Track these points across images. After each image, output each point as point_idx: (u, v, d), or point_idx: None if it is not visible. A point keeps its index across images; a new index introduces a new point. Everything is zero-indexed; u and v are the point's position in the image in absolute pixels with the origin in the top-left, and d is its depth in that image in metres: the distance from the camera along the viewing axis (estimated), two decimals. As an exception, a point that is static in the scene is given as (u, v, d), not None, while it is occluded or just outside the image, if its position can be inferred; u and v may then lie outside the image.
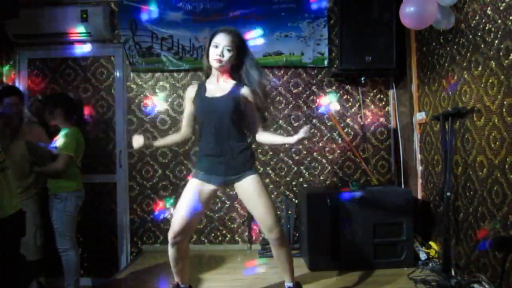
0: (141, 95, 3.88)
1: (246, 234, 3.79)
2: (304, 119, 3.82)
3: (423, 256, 3.06)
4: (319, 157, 3.83)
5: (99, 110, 3.87)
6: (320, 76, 3.83)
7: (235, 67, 2.31)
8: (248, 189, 2.27)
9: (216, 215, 3.83)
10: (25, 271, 2.87)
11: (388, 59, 3.43)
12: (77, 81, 3.87)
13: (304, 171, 3.83)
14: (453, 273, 2.70)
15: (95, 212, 3.80)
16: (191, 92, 2.37)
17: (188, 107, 2.40)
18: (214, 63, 2.24)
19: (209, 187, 2.32)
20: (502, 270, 2.24)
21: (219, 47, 2.21)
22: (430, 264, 2.97)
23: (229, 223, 3.83)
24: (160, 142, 2.49)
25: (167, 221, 3.85)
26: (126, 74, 3.89)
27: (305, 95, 3.83)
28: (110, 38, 3.84)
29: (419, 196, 3.45)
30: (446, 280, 2.60)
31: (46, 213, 3.08)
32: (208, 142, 2.28)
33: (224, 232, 3.84)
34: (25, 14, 3.50)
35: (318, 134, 3.83)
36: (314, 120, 3.83)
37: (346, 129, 3.83)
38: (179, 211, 2.28)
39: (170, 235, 2.30)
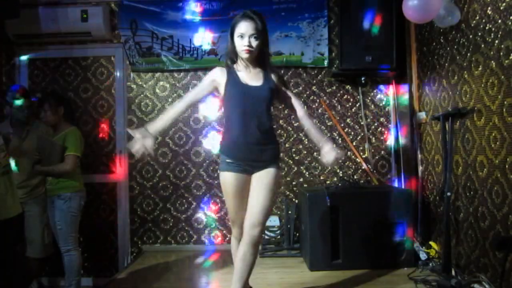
0: (141, 95, 3.89)
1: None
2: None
3: (423, 256, 3.06)
4: (319, 157, 3.82)
5: (99, 110, 3.87)
6: (320, 76, 3.83)
7: (262, 53, 2.22)
8: (264, 179, 2.20)
9: (216, 215, 3.83)
10: (25, 271, 2.88)
11: (388, 59, 3.43)
12: (77, 81, 3.88)
13: (304, 171, 3.83)
14: (453, 273, 2.70)
15: (95, 212, 3.80)
16: (220, 75, 2.23)
17: (207, 85, 2.26)
18: (243, 55, 2.16)
19: (242, 177, 2.22)
20: (502, 270, 2.24)
21: (245, 37, 2.12)
22: (430, 264, 2.97)
23: (229, 223, 3.82)
24: (160, 123, 2.18)
25: (167, 221, 3.85)
26: (126, 74, 3.89)
27: (305, 95, 3.83)
28: (110, 38, 3.84)
29: (419, 196, 3.45)
30: (446, 280, 2.60)
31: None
32: (239, 128, 2.19)
33: (224, 232, 3.84)
34: (25, 14, 3.50)
35: (318, 134, 3.82)
36: (314, 120, 3.82)
37: (346, 129, 3.83)
38: (233, 210, 2.26)
39: (237, 231, 2.30)
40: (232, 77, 2.22)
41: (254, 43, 2.14)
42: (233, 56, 2.25)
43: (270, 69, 2.29)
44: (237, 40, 2.15)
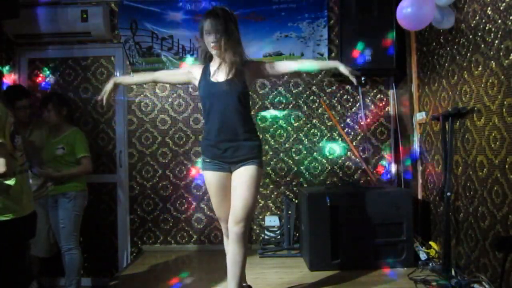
0: (141, 95, 3.89)
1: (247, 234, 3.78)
2: (304, 119, 3.82)
3: (423, 256, 3.06)
4: (319, 157, 3.83)
5: (99, 110, 3.87)
6: (320, 76, 3.83)
7: (235, 41, 2.23)
8: (242, 176, 2.22)
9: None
10: (27, 270, 2.88)
11: (388, 59, 3.43)
12: (77, 81, 3.88)
13: (304, 171, 3.83)
14: (453, 273, 2.70)
15: (95, 212, 3.80)
16: (197, 70, 2.34)
17: (181, 73, 2.49)
18: (212, 51, 2.23)
19: (222, 175, 2.29)
20: (502, 270, 2.24)
21: (211, 34, 2.18)
22: (430, 264, 2.97)
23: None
24: (125, 80, 2.70)
25: (167, 221, 3.85)
26: (126, 74, 3.88)
27: (305, 95, 3.83)
28: (110, 38, 3.84)
29: (419, 196, 3.45)
30: (446, 280, 2.60)
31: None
32: (215, 128, 2.24)
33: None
34: (25, 14, 3.50)
35: (318, 134, 3.83)
36: (314, 120, 3.83)
37: (346, 129, 3.83)
38: (216, 206, 2.37)
39: (224, 227, 2.40)
40: (204, 75, 2.30)
41: (221, 39, 2.18)
42: (207, 53, 2.31)
43: (241, 61, 2.24)
44: (205, 37, 2.22)
